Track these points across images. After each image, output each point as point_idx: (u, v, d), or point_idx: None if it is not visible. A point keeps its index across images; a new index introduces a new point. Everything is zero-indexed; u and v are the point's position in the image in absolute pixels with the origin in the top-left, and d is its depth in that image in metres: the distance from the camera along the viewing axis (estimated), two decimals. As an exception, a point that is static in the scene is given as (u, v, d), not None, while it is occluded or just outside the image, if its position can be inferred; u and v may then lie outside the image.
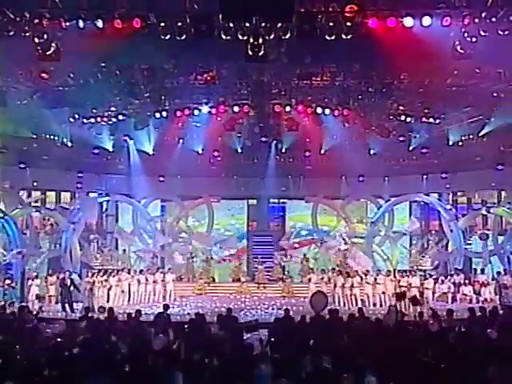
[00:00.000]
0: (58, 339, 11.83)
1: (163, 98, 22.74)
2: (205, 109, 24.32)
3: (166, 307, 16.84)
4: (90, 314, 19.13)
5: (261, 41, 15.92)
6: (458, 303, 24.12)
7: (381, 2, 15.71)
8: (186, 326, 13.57)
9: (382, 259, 29.76)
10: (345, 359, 9.07)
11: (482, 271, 26.37)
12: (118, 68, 20.50)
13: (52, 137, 25.74)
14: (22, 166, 26.65)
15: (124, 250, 30.68)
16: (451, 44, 16.03)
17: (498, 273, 25.41)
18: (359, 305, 22.96)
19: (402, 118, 24.02)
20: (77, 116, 23.57)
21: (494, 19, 15.24)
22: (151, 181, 30.24)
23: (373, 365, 8.63)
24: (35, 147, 26.46)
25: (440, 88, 21.28)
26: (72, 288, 22.95)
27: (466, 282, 25.31)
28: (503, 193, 28.49)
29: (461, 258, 27.96)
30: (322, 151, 28.63)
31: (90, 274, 24.98)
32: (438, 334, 12.83)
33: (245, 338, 12.74)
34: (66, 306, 22.25)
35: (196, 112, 24.51)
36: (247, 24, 15.70)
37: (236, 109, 24.12)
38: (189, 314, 19.87)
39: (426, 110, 23.39)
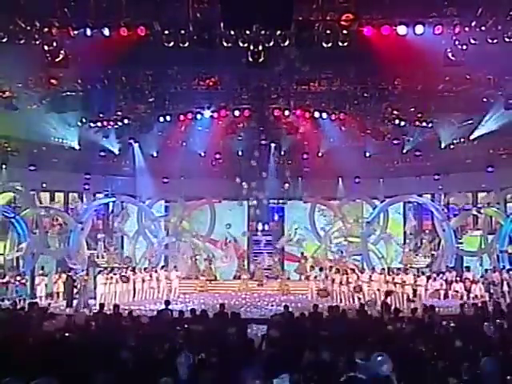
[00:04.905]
0: (66, 334, 11.98)
1: (167, 102, 22.97)
2: (207, 113, 24.62)
3: (167, 303, 17.19)
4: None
5: (261, 48, 16.29)
6: (450, 300, 24.80)
7: (375, 11, 16.03)
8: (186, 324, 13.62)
9: (377, 257, 30.51)
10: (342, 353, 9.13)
11: (468, 269, 27.14)
12: (124, 74, 20.87)
13: (61, 140, 25.81)
14: (32, 168, 26.94)
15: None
16: (443, 51, 16.48)
17: (486, 270, 26.14)
18: (356, 301, 23.56)
19: (396, 121, 24.23)
20: (84, 120, 23.87)
21: (483, 28, 15.63)
22: (155, 182, 30.66)
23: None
24: (45, 150, 26.67)
25: (432, 93, 21.62)
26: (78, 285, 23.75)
27: (457, 279, 25.86)
28: (493, 193, 28.79)
29: (452, 257, 28.59)
30: (320, 154, 28.96)
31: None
32: (429, 327, 13.45)
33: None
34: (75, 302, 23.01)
35: (198, 116, 24.88)
36: (248, 32, 16.04)
37: (237, 113, 24.46)
38: (193, 309, 20.42)
39: (419, 115, 23.63)
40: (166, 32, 16.11)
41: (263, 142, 28.31)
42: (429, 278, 25.68)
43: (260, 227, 32.45)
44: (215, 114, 24.86)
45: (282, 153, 29.82)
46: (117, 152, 28.46)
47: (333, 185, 31.48)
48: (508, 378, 8.29)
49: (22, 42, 16.13)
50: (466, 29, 15.83)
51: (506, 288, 24.20)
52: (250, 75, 21.39)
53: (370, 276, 25.12)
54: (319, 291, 23.73)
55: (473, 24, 15.73)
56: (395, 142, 27.03)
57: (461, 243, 29.52)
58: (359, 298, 23.95)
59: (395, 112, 23.86)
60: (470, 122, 24.31)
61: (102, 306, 17.91)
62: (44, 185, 28.47)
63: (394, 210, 31.87)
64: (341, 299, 24.70)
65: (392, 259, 30.17)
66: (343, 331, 12.17)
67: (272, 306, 23.64)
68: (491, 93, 21.23)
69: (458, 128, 25.13)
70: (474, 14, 15.63)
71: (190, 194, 32.11)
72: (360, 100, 22.65)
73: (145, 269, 27.67)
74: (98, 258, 29.45)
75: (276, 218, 33.12)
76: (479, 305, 17.37)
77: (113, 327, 13.48)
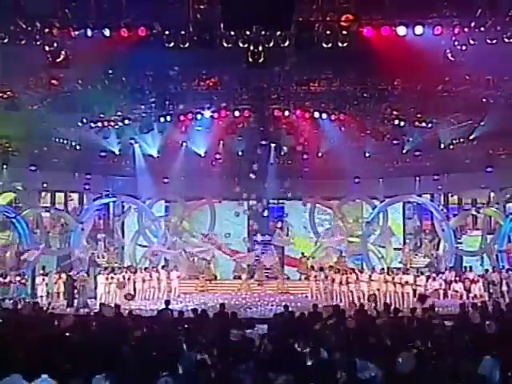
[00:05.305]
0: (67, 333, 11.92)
1: (167, 103, 22.95)
2: (207, 113, 24.65)
3: (168, 303, 17.24)
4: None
5: (261, 48, 16.26)
6: (450, 299, 24.80)
7: (375, 11, 16.00)
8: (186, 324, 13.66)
9: (376, 257, 30.54)
10: (342, 351, 9.21)
11: (470, 268, 27.10)
12: (124, 74, 20.84)
13: (62, 140, 26.03)
14: (33, 168, 26.96)
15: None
16: (442, 52, 16.46)
17: (486, 270, 26.20)
18: (356, 301, 23.62)
19: (396, 122, 24.19)
20: (85, 120, 23.77)
21: (482, 29, 15.60)
22: (156, 182, 30.55)
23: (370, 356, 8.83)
24: (46, 150, 26.85)
25: (432, 94, 21.62)
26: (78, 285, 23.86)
27: (457, 279, 25.87)
28: (492, 194, 28.89)
29: (452, 256, 28.66)
30: (320, 154, 28.88)
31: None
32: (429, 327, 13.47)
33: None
34: (75, 301, 23.15)
35: (199, 116, 24.90)
36: (248, 32, 16.02)
37: (237, 113, 24.51)
38: (193, 309, 20.48)
39: (419, 115, 23.62)
40: (167, 32, 16.08)
41: (263, 142, 28.14)
42: (428, 277, 25.69)
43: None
44: (215, 114, 24.90)
45: (282, 153, 29.69)
46: (117, 152, 28.50)
47: (333, 185, 31.45)
48: (509, 374, 8.34)
49: (22, 42, 16.13)
50: (466, 29, 15.80)
51: (505, 288, 24.30)
52: (250, 75, 21.35)
53: (370, 276, 25.16)
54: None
55: (472, 24, 15.71)
56: (395, 142, 26.88)
57: (460, 243, 29.62)
58: (359, 298, 23.97)
59: (395, 112, 23.82)
60: (469, 122, 24.39)
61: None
62: (45, 185, 28.54)
63: (393, 210, 31.89)
64: (341, 299, 24.72)
65: (392, 259, 30.15)
66: (344, 331, 12.18)
67: (272, 305, 23.61)
68: (490, 93, 21.26)
69: (457, 128, 25.18)
70: (474, 14, 15.64)
71: (190, 194, 32.15)
72: (360, 100, 22.66)
73: (145, 268, 27.67)
74: (98, 258, 29.51)
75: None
76: (479, 304, 17.39)
77: (113, 327, 13.48)
